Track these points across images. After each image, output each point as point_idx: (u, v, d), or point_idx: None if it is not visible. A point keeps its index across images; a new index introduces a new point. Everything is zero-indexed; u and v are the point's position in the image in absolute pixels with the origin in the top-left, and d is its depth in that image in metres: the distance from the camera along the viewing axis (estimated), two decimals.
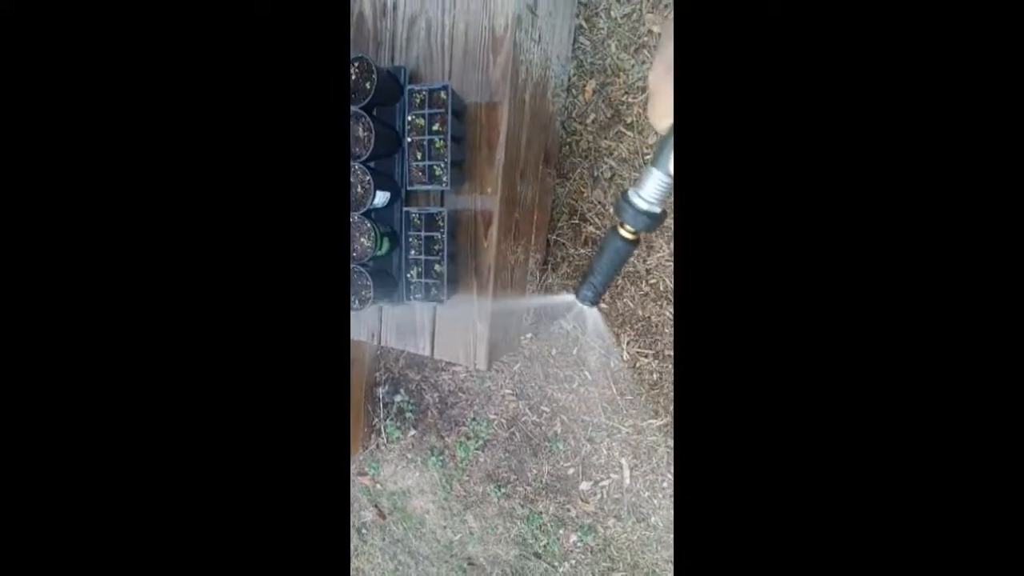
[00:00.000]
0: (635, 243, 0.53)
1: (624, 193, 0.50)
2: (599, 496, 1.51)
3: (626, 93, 1.22)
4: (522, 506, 1.63)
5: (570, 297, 0.62)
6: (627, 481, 1.46)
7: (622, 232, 0.52)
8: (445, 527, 1.81)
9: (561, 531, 1.60)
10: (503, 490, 1.64)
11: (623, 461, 1.46)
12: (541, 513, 1.61)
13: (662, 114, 0.42)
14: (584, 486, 1.52)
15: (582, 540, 1.57)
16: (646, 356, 1.35)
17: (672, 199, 0.47)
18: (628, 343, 1.36)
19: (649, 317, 1.32)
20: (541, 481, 1.58)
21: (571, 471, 1.53)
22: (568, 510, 1.57)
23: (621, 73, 1.22)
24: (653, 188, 0.48)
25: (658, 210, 0.49)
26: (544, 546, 1.64)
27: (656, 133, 0.42)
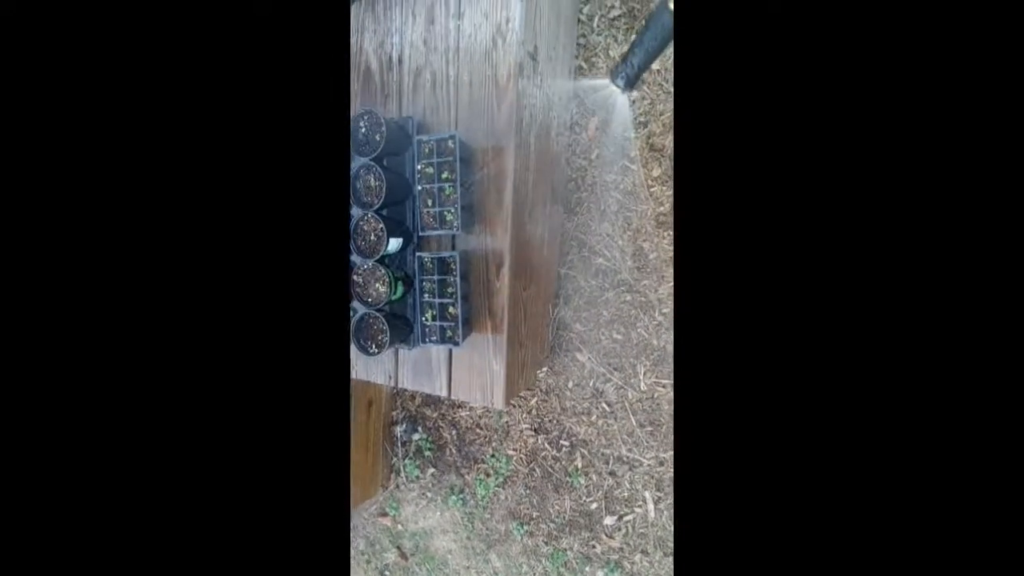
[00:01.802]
0: None
1: None
2: (624, 531, 1.48)
3: (627, 130, 1.25)
4: (546, 543, 1.60)
5: (603, 80, 0.56)
6: (652, 515, 1.43)
7: (672, 5, 0.46)
8: (469, 567, 1.78)
9: (587, 568, 1.56)
10: (526, 527, 1.62)
11: (647, 494, 1.43)
12: (566, 550, 1.58)
13: None
14: (608, 521, 1.49)
15: None
16: (663, 386, 1.34)
17: None
18: (644, 373, 1.35)
19: (664, 346, 1.32)
20: (564, 517, 1.55)
21: (594, 506, 1.50)
22: (593, 546, 1.53)
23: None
24: None
25: None
26: None
27: None
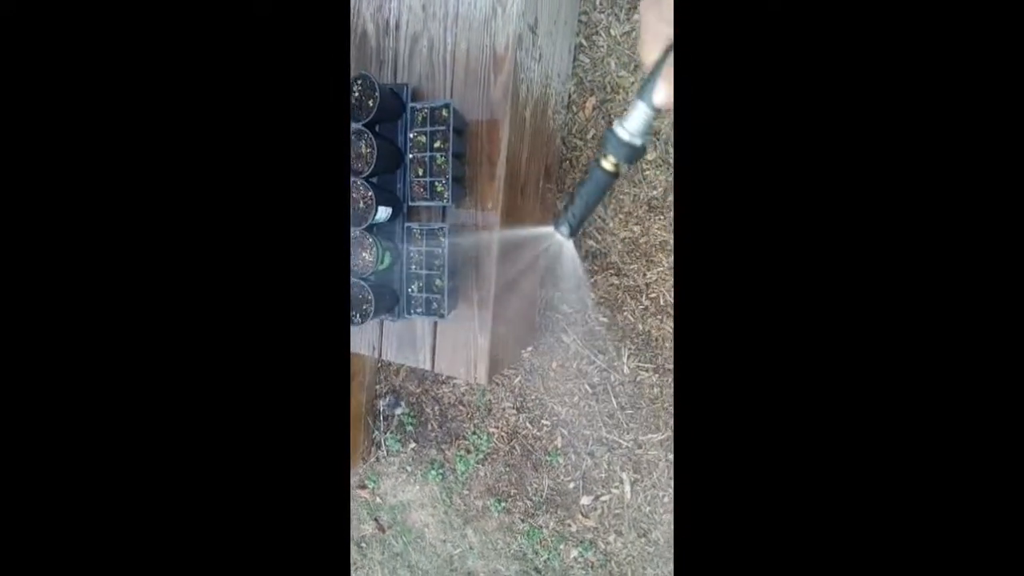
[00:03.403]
0: (615, 176, 0.54)
1: (609, 126, 0.51)
2: (600, 511, 1.50)
3: (625, 110, 1.24)
4: (522, 521, 1.62)
5: (548, 228, 0.63)
6: (628, 496, 1.46)
7: (604, 164, 0.53)
8: (445, 541, 1.80)
9: (562, 546, 1.59)
10: (503, 504, 1.64)
11: (624, 476, 1.45)
12: (541, 528, 1.60)
13: (650, 47, 0.42)
14: (585, 501, 1.51)
15: (583, 555, 1.56)
16: (646, 370, 1.35)
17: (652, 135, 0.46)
18: (628, 357, 1.36)
19: (649, 331, 1.33)
20: (541, 495, 1.57)
21: (572, 486, 1.52)
22: (569, 525, 1.56)
23: (620, 90, 1.23)
24: (637, 121, 0.49)
25: (639, 143, 0.50)
26: (545, 561, 1.63)
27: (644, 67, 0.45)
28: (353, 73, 0.91)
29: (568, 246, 0.67)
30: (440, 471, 1.72)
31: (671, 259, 1.25)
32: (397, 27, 1.00)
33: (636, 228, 1.29)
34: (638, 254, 1.30)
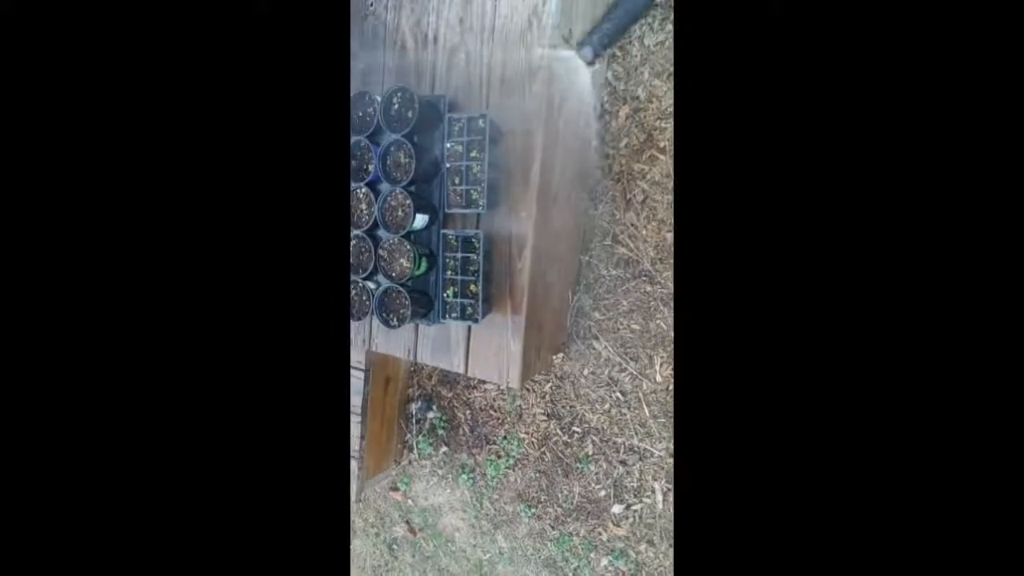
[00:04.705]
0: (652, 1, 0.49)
1: None
2: (631, 520, 1.49)
3: (659, 119, 1.24)
4: (552, 527, 1.62)
5: (569, 52, 0.57)
6: (660, 506, 1.44)
7: None
8: (475, 546, 1.81)
9: (592, 554, 1.58)
10: (533, 510, 1.64)
11: (656, 485, 1.44)
12: (572, 535, 1.60)
13: None
14: (616, 509, 1.50)
15: (613, 564, 1.55)
16: None
17: None
18: (661, 365, 1.36)
19: None
20: (572, 503, 1.57)
21: (603, 493, 1.52)
22: (599, 533, 1.55)
23: (655, 99, 1.24)
24: None
25: None
26: (575, 569, 1.62)
27: None
28: (393, 86, 0.94)
29: (585, 72, 0.60)
30: (471, 475, 1.74)
31: None
32: (435, 40, 1.03)
33: (669, 236, 1.29)
34: (671, 261, 1.29)
